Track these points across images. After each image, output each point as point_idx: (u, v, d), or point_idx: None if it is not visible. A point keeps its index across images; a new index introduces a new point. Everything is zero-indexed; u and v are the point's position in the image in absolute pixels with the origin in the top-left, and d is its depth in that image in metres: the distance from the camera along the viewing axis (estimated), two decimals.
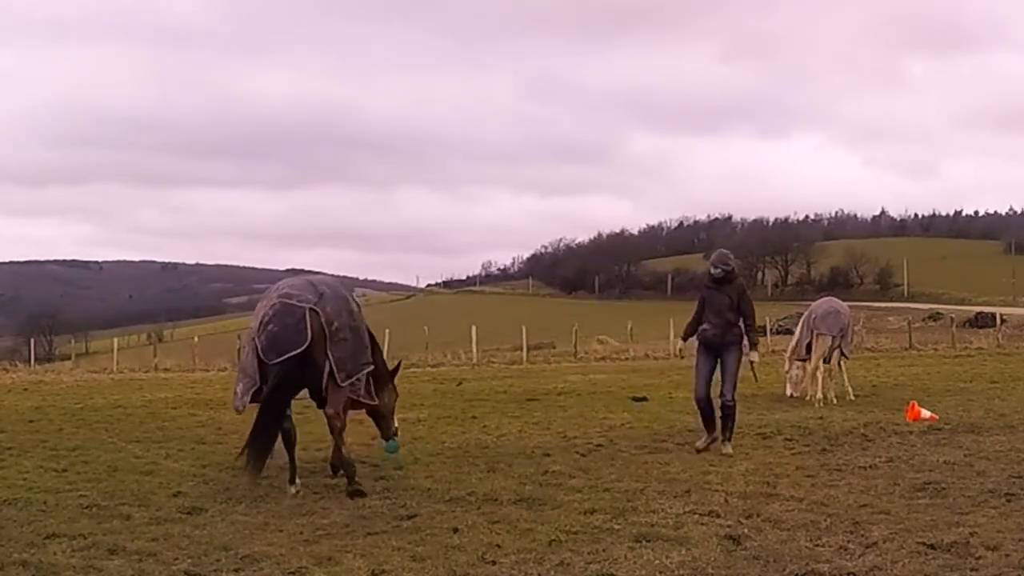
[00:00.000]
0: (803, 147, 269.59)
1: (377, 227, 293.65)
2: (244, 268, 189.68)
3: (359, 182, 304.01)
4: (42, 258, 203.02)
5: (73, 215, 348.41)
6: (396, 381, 9.05)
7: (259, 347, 7.77)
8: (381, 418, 8.80)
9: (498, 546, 5.98)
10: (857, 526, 6.35)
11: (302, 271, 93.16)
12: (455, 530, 6.39)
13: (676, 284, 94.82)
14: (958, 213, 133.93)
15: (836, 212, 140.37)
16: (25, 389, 20.59)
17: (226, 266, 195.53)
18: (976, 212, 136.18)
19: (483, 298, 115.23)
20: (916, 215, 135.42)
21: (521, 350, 31.73)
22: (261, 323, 7.81)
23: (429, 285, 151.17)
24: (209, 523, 6.72)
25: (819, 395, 14.18)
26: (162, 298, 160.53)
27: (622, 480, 8.14)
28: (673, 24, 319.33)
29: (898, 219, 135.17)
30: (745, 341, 9.97)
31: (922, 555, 5.65)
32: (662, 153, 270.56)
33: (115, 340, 39.23)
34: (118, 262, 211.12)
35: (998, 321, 36.29)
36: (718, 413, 9.81)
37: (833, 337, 14.58)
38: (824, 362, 14.51)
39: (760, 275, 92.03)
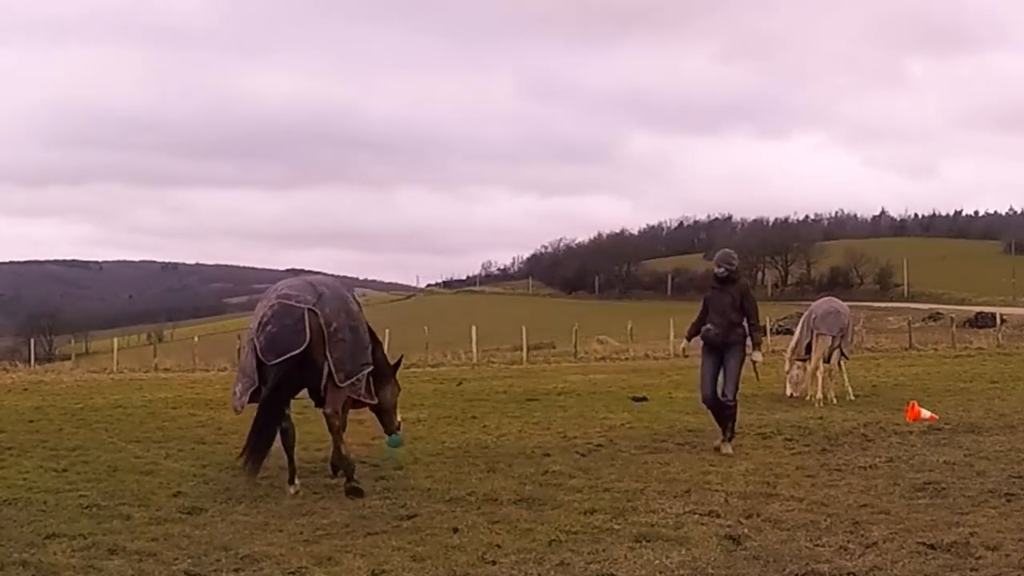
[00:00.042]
0: (803, 147, 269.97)
1: (377, 227, 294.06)
2: (244, 268, 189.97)
3: (359, 182, 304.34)
4: (42, 258, 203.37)
5: (73, 215, 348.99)
6: (396, 379, 9.06)
7: (258, 348, 7.78)
8: (384, 413, 8.82)
9: (498, 546, 5.98)
10: (857, 526, 6.35)
11: (302, 271, 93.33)
12: (455, 530, 6.39)
13: (676, 284, 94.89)
14: (958, 213, 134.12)
15: (836, 212, 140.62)
16: (25, 389, 20.59)
17: (226, 266, 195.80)
18: (976, 212, 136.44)
19: (483, 298, 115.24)
20: (916, 215, 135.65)
21: (521, 350, 31.73)
22: (260, 324, 7.82)
23: (429, 285, 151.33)
24: (209, 523, 6.72)
25: (819, 395, 14.18)
26: (162, 298, 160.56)
27: (622, 480, 8.14)
28: (673, 24, 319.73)
29: (898, 219, 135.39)
30: (749, 341, 9.96)
31: (922, 555, 5.65)
32: (662, 153, 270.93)
33: (115, 340, 39.24)
34: (118, 262, 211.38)
35: (998, 321, 36.28)
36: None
37: (833, 337, 14.58)
38: (824, 362, 14.51)
39: (760, 275, 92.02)
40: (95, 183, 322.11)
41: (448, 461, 9.27)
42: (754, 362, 9.98)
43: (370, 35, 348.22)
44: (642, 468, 8.75)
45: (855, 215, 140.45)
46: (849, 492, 7.49)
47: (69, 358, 41.68)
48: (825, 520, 6.53)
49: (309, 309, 7.71)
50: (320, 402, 8.07)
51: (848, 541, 5.97)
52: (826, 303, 15.41)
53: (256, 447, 7.67)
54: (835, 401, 14.22)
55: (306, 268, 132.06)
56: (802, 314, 17.64)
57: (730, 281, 9.97)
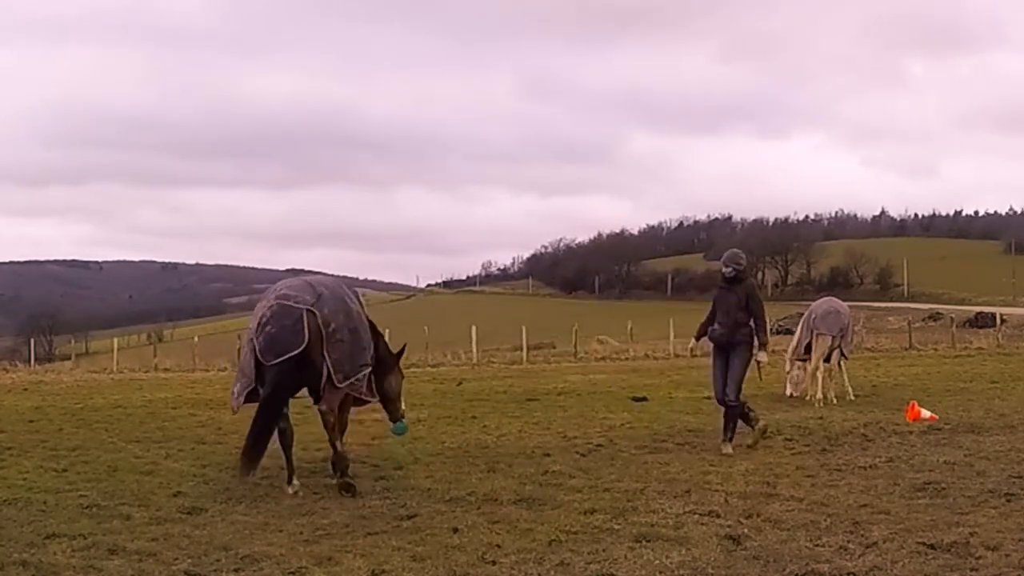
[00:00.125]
0: (803, 147, 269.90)
1: (377, 227, 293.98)
2: (244, 268, 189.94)
3: (359, 182, 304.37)
4: (42, 258, 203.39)
5: (73, 215, 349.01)
6: (400, 367, 9.07)
7: (257, 348, 7.80)
8: (389, 401, 8.81)
9: (498, 546, 5.98)
10: (857, 526, 6.35)
11: (302, 271, 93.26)
12: (455, 530, 6.40)
13: (676, 284, 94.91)
14: (958, 213, 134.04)
15: (836, 212, 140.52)
16: (25, 389, 20.59)
17: (226, 266, 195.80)
18: (976, 212, 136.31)
19: (483, 298, 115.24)
20: (916, 215, 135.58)
21: (521, 350, 31.72)
22: (259, 324, 7.84)
23: (429, 285, 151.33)
24: (209, 523, 6.72)
25: (819, 395, 14.18)
26: (162, 298, 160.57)
27: (622, 480, 8.14)
28: (673, 24, 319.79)
29: (898, 219, 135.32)
30: (756, 342, 9.95)
31: (922, 555, 5.65)
32: (662, 153, 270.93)
33: (115, 340, 39.23)
34: (118, 262, 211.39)
35: (998, 321, 36.25)
36: (745, 409, 9.89)
37: (833, 337, 14.59)
38: (824, 362, 14.52)
39: (760, 275, 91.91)
40: (95, 183, 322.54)
41: (448, 461, 9.27)
42: (759, 363, 9.97)
43: (370, 35, 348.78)
44: (642, 468, 8.75)
45: (855, 215, 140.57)
46: (849, 492, 7.49)
47: (69, 358, 41.68)
48: (825, 520, 6.53)
49: (308, 310, 7.72)
50: (319, 401, 8.08)
51: (848, 541, 5.97)
52: (826, 303, 15.40)
53: (253, 447, 7.69)
54: (835, 401, 14.22)
55: (306, 268, 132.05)
56: (802, 314, 17.64)
57: (737, 281, 9.97)
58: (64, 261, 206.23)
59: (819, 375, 14.39)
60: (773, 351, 10.52)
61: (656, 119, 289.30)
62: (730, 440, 9.73)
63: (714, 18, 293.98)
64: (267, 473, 8.24)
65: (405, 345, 9.48)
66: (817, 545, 5.91)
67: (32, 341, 45.27)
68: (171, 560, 5.76)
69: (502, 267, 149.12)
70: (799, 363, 15.32)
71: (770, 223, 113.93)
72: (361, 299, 8.71)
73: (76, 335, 79.01)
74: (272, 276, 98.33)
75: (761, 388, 13.76)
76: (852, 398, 14.66)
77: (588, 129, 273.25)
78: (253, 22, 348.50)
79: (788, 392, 15.23)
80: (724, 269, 10.10)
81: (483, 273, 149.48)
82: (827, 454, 9.45)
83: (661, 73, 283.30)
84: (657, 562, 5.62)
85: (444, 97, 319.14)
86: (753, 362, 9.94)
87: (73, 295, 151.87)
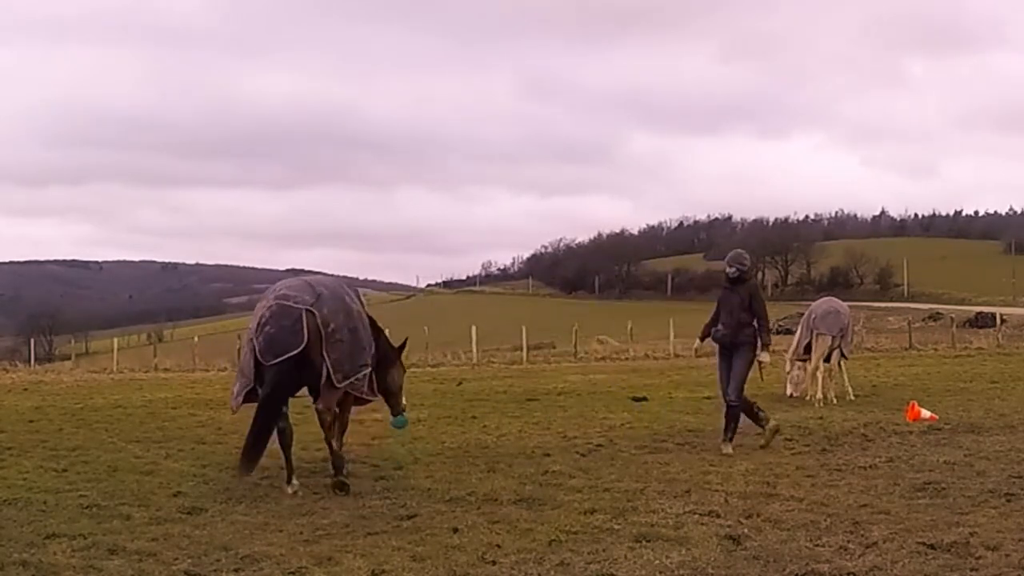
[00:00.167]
0: (803, 147, 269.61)
1: (377, 227, 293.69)
2: (244, 268, 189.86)
3: (359, 182, 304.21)
4: (42, 258, 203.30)
5: (73, 215, 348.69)
6: (401, 361, 9.11)
7: (256, 348, 7.81)
8: (391, 395, 8.86)
9: (498, 546, 5.98)
10: (857, 526, 6.35)
11: (302, 271, 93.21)
12: (455, 530, 6.40)
13: (676, 284, 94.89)
14: (958, 213, 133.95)
15: (836, 212, 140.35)
16: (25, 389, 20.59)
17: (226, 266, 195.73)
18: (976, 212, 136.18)
19: (483, 298, 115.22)
20: (916, 215, 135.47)
21: (521, 350, 31.72)
22: (259, 324, 7.85)
23: (429, 285, 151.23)
24: (209, 523, 6.72)
25: (819, 395, 14.18)
26: (162, 298, 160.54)
27: (622, 480, 8.14)
28: (673, 24, 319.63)
29: (898, 219, 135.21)
30: (759, 342, 9.95)
31: (922, 555, 5.65)
32: (662, 153, 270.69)
33: (115, 340, 39.23)
34: (118, 262, 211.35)
35: (998, 321, 36.25)
36: (755, 408, 9.93)
37: (833, 337, 14.59)
38: (824, 362, 14.52)
39: (760, 275, 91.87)
40: (95, 183, 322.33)
41: (448, 461, 9.28)
42: (760, 363, 9.97)
43: (370, 35, 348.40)
44: (642, 468, 8.75)
45: (855, 215, 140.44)
46: (849, 492, 7.49)
47: (69, 358, 41.69)
48: (825, 520, 6.53)
49: (307, 310, 7.73)
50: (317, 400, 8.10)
51: (848, 541, 5.97)
52: (826, 303, 15.41)
53: (253, 447, 7.70)
54: (835, 401, 14.22)
55: (306, 268, 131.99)
56: (802, 314, 17.64)
57: (741, 281, 9.98)
58: (64, 261, 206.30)
59: (819, 375, 14.39)
60: (773, 351, 10.51)
61: (656, 119, 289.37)
62: (730, 440, 9.73)
63: (714, 18, 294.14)
64: (267, 473, 8.25)
65: (407, 339, 9.50)
66: (817, 545, 5.91)
67: (32, 341, 45.28)
68: (171, 560, 5.76)
69: (502, 267, 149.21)
70: (799, 363, 15.33)
71: (770, 223, 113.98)
72: (362, 298, 8.72)
73: (76, 335, 79.02)
74: (272, 276, 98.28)
75: (761, 388, 13.75)
76: (852, 398, 14.66)
77: (588, 129, 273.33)
78: (253, 22, 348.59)
79: (788, 392, 15.24)
80: (728, 269, 10.10)
81: (483, 273, 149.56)
82: (827, 454, 9.45)
83: (661, 73, 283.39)
84: (657, 562, 5.62)
85: (444, 97, 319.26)
86: (755, 362, 9.95)
87: (73, 295, 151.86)
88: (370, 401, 8.64)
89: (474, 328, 32.31)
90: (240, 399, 8.07)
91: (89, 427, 12.63)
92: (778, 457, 9.29)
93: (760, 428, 9.96)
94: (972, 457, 9.00)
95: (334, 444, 8.00)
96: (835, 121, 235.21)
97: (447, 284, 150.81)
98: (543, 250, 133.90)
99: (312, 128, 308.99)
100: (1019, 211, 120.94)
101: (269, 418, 7.74)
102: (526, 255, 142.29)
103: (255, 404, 7.90)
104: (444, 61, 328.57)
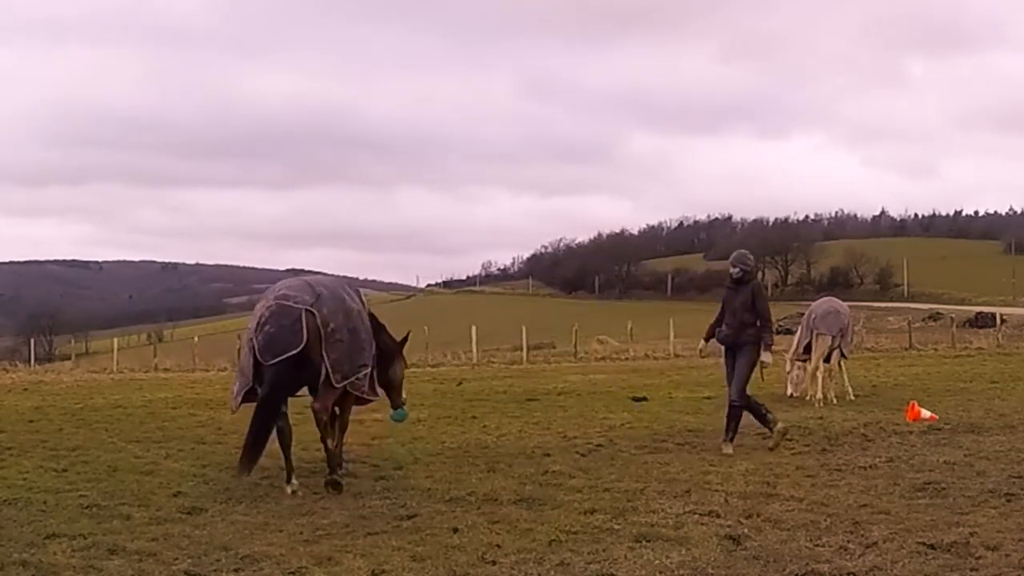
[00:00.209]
0: (803, 147, 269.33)
1: (377, 227, 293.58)
2: (244, 268, 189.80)
3: (359, 182, 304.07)
4: (42, 258, 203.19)
5: (73, 215, 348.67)
6: (403, 355, 9.17)
7: (256, 347, 7.82)
8: (392, 389, 8.94)
9: (498, 546, 5.98)
10: (857, 526, 6.35)
11: (302, 271, 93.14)
12: (455, 530, 6.40)
13: (676, 284, 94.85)
14: (958, 213, 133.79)
15: (836, 212, 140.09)
16: (25, 389, 20.59)
17: (226, 266, 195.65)
18: (976, 212, 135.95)
19: (483, 298, 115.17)
20: (916, 215, 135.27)
21: (521, 350, 31.72)
22: (258, 324, 7.86)
23: (429, 285, 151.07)
24: (209, 523, 6.72)
25: (819, 395, 14.19)
26: (162, 298, 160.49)
27: (622, 480, 8.14)
28: (673, 24, 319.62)
29: (898, 219, 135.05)
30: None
31: (922, 555, 5.65)
32: (662, 153, 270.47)
33: (115, 340, 39.23)
34: (118, 262, 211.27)
35: (998, 321, 36.24)
36: (761, 409, 9.91)
37: (833, 337, 14.59)
38: (824, 362, 14.52)
39: (760, 275, 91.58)
40: (95, 183, 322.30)
41: (448, 461, 9.28)
42: (762, 363, 9.96)
43: (370, 35, 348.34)
44: (642, 468, 8.75)
45: (855, 215, 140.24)
46: (849, 492, 7.49)
47: (69, 358, 41.67)
48: (825, 520, 6.53)
49: (307, 309, 7.74)
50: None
51: (848, 541, 5.97)
52: (826, 303, 15.41)
53: (252, 446, 7.70)
54: (835, 401, 14.22)
55: (306, 268, 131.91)
56: (802, 314, 17.64)
57: (744, 282, 9.98)
58: (64, 261, 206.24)
59: (819, 375, 14.39)
60: (774, 351, 10.50)
61: (656, 119, 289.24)
62: (731, 440, 9.74)
63: (714, 18, 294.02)
64: (267, 473, 8.25)
65: (409, 332, 9.53)
66: (817, 545, 5.91)
67: (32, 341, 45.26)
68: (171, 560, 5.76)
69: (502, 267, 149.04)
70: (799, 363, 15.33)
71: (770, 223, 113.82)
72: (363, 298, 8.72)
73: (76, 335, 78.93)
74: (272, 276, 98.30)
75: (761, 388, 13.73)
76: (852, 398, 14.66)
77: (588, 129, 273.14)
78: (253, 22, 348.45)
79: (789, 392, 15.24)
80: (731, 270, 10.11)
81: (483, 273, 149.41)
82: (827, 454, 9.45)
83: (661, 73, 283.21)
84: (657, 562, 5.62)
85: (444, 97, 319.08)
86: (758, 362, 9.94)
87: (73, 295, 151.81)
88: (371, 401, 8.65)
89: (474, 328, 32.31)
90: (239, 399, 8.10)
91: (89, 427, 12.63)
92: (778, 457, 9.28)
93: (768, 431, 9.95)
94: (972, 457, 9.00)
95: (330, 443, 8.01)
96: (835, 121, 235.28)
97: (447, 284, 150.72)
98: (543, 250, 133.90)
99: (312, 128, 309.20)
100: (1019, 211, 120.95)
101: (268, 417, 7.75)
102: (526, 255, 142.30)
103: (255, 404, 7.91)
104: (444, 61, 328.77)
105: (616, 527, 6.44)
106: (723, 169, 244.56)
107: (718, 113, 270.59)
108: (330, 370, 7.78)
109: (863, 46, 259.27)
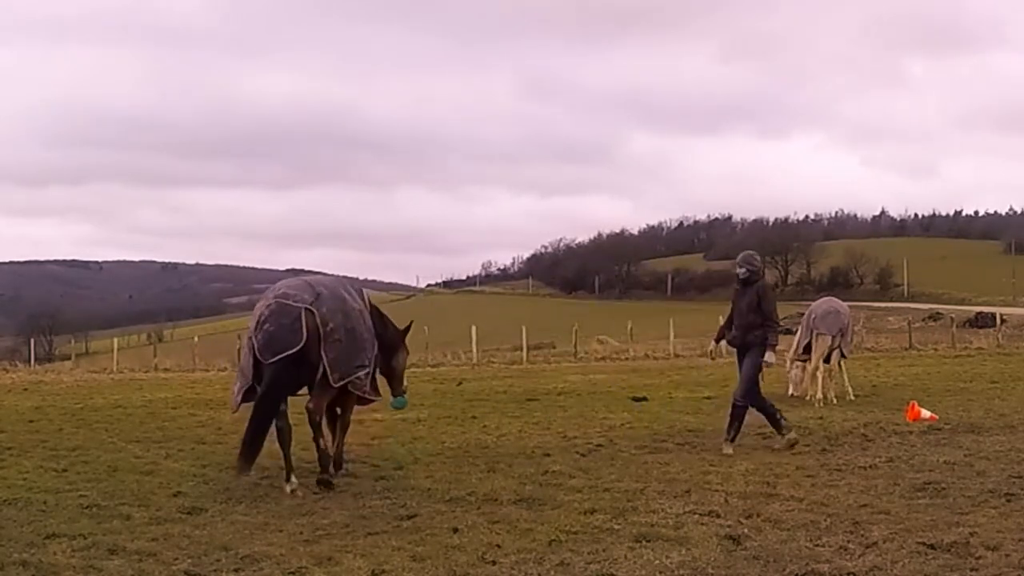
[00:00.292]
0: (803, 147, 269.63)
1: (377, 227, 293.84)
2: (244, 268, 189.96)
3: (359, 182, 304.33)
4: (42, 258, 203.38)
5: (73, 215, 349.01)
6: (406, 344, 9.26)
7: (255, 346, 7.84)
8: (393, 378, 9.05)
9: (498, 546, 5.98)
10: (857, 526, 6.35)
11: (302, 271, 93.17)
12: (455, 530, 6.40)
13: (676, 284, 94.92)
14: (958, 213, 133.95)
15: (836, 212, 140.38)
16: (25, 389, 20.60)
17: (226, 266, 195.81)
18: (976, 212, 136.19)
19: (483, 298, 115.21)
20: (916, 215, 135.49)
21: (521, 350, 31.72)
22: (258, 323, 7.87)
23: (429, 285, 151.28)
24: (209, 523, 6.72)
25: (819, 395, 14.19)
26: (162, 298, 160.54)
27: (622, 480, 8.14)
28: (673, 24, 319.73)
29: (898, 219, 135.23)
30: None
31: (922, 555, 5.65)
32: (662, 153, 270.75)
33: (115, 340, 39.23)
34: (118, 262, 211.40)
35: (998, 321, 36.23)
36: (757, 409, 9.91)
37: (833, 337, 14.59)
38: (824, 362, 14.52)
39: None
40: (95, 183, 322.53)
41: (448, 461, 9.28)
42: (765, 363, 9.94)
43: (370, 35, 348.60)
44: (642, 468, 8.75)
45: (855, 215, 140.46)
46: (849, 492, 7.49)
47: (69, 358, 41.67)
48: (825, 520, 6.53)
49: (306, 308, 7.74)
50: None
51: (848, 541, 5.97)
52: (826, 303, 15.41)
53: (250, 445, 7.71)
54: (835, 401, 14.22)
55: (306, 268, 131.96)
56: (802, 314, 17.64)
57: (750, 282, 9.97)
58: (64, 261, 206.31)
59: (819, 375, 14.39)
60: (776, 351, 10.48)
61: (656, 119, 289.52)
62: (732, 440, 9.73)
63: (714, 18, 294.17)
64: (267, 473, 8.25)
65: (411, 323, 9.58)
66: (817, 545, 5.90)
67: (32, 341, 45.26)
68: (171, 560, 5.76)
69: (502, 267, 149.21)
70: (799, 363, 15.33)
71: (770, 223, 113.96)
72: (366, 297, 8.72)
73: (76, 335, 78.97)
74: (272, 276, 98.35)
75: (762, 388, 13.77)
76: (852, 398, 14.66)
77: (588, 129, 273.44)
78: (253, 22, 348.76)
79: (789, 392, 15.24)
80: (738, 270, 10.11)
81: (483, 273, 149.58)
82: (827, 454, 9.45)
83: (661, 73, 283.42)
84: (657, 562, 5.62)
85: (444, 97, 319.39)
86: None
87: (73, 295, 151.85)
88: (373, 401, 8.66)
89: (474, 328, 32.31)
90: (239, 398, 8.11)
91: (89, 427, 12.63)
92: (778, 457, 9.29)
93: (779, 434, 9.92)
94: (972, 457, 9.00)
95: (321, 443, 8.03)
96: (835, 121, 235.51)
97: (447, 284, 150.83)
98: (543, 250, 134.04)
99: (312, 128, 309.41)
100: (1019, 211, 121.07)
101: (266, 416, 7.75)
102: (526, 255, 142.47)
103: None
104: (444, 61, 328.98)
105: (616, 527, 6.44)
106: (723, 169, 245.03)
107: (718, 113, 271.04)
108: (328, 369, 7.80)
109: (863, 46, 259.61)
